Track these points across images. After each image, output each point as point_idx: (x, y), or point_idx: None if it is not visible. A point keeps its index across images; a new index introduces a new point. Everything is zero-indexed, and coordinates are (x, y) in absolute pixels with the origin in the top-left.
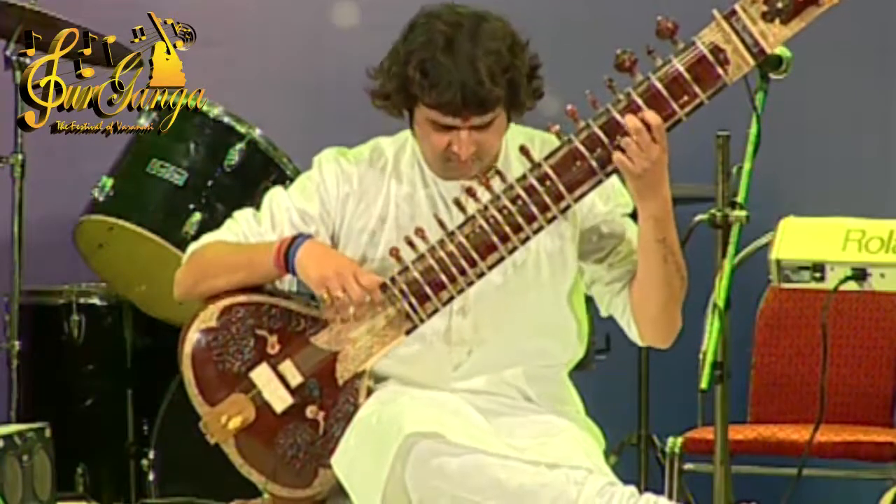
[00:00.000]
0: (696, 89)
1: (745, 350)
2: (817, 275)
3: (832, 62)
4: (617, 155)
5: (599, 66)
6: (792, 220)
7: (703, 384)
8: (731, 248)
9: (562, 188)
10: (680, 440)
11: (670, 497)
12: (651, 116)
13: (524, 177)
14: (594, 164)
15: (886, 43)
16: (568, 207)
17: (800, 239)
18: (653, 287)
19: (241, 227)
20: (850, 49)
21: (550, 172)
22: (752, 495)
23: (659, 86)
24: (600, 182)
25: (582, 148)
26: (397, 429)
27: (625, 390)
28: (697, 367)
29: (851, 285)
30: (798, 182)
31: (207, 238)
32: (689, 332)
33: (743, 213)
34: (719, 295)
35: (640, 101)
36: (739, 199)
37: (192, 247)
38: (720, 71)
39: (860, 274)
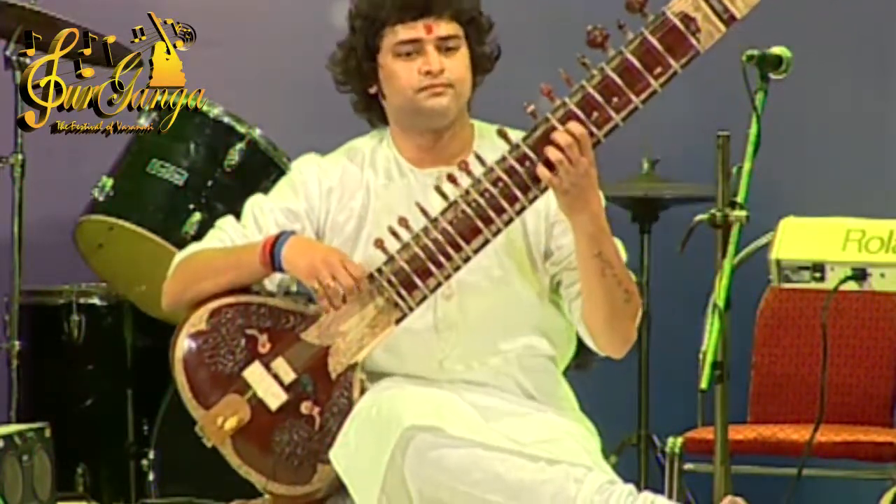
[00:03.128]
0: (670, 60)
1: (745, 350)
2: (817, 275)
3: (832, 62)
4: (542, 171)
5: (568, 53)
6: (792, 220)
7: (703, 384)
8: (731, 248)
9: (542, 167)
10: (680, 440)
11: (670, 497)
12: (577, 129)
13: (503, 159)
14: None
15: (886, 43)
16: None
17: (800, 239)
18: (594, 300)
19: (227, 233)
20: (850, 49)
21: (529, 152)
22: (752, 495)
23: (632, 59)
24: None
25: (559, 126)
26: (397, 422)
27: (625, 390)
28: (697, 367)
29: (851, 285)
30: (798, 182)
31: (192, 247)
32: (689, 332)
33: (743, 213)
34: (719, 295)
35: (614, 76)
36: (739, 199)
37: (178, 256)
38: (692, 40)
39: (860, 274)
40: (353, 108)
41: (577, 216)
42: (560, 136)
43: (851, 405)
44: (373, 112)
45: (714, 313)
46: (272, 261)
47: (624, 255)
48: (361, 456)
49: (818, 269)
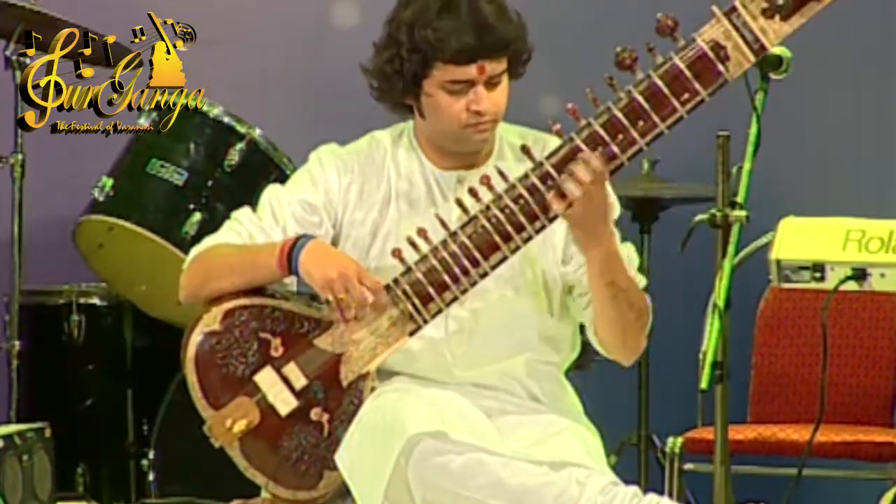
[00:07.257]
0: (697, 86)
1: (745, 350)
2: (817, 275)
3: (832, 62)
4: (557, 204)
5: (600, 65)
6: (792, 220)
7: (703, 384)
8: (731, 248)
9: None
10: (680, 440)
11: (670, 497)
12: (596, 163)
13: (526, 176)
14: None
15: (886, 43)
16: (570, 205)
17: (800, 239)
18: (606, 322)
19: (245, 226)
20: (850, 49)
21: (553, 171)
22: (752, 495)
23: (660, 83)
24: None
25: (583, 146)
26: (401, 427)
27: (625, 390)
28: (697, 367)
29: (851, 285)
30: (798, 182)
31: (210, 240)
32: (689, 332)
33: (743, 213)
34: (719, 295)
35: (640, 99)
36: (739, 199)
37: (195, 250)
38: (721, 68)
39: (860, 274)
40: (377, 100)
41: (591, 249)
42: (580, 171)
43: (851, 405)
44: (401, 113)
45: (714, 313)
46: (289, 266)
47: (636, 260)
48: (365, 460)
49: (818, 269)
